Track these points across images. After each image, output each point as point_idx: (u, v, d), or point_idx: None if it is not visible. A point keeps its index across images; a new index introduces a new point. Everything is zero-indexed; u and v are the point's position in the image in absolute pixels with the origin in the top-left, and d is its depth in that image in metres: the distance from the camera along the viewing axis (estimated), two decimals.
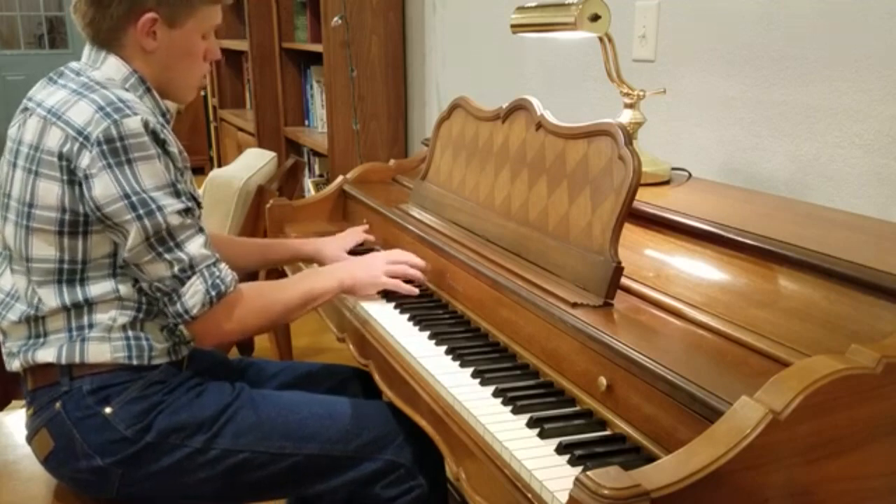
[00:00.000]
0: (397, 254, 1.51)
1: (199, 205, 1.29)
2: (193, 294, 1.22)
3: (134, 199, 1.17)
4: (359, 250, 1.68)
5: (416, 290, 1.45)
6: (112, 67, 1.27)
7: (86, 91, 1.21)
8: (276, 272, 1.88)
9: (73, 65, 1.29)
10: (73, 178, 1.18)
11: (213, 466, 1.27)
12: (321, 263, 1.65)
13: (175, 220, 1.20)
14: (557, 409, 1.05)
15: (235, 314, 1.27)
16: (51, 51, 7.01)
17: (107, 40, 1.27)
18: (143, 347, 1.27)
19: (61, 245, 1.22)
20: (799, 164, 1.50)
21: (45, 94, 1.25)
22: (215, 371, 1.43)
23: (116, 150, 1.16)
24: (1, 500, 1.32)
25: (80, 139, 1.17)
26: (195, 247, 1.22)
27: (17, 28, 6.96)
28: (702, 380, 0.87)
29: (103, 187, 1.16)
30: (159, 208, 1.18)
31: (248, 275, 2.11)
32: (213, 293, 1.23)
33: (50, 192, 1.20)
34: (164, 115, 1.30)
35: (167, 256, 1.20)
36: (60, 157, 1.18)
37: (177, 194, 1.21)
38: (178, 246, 1.21)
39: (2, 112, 6.43)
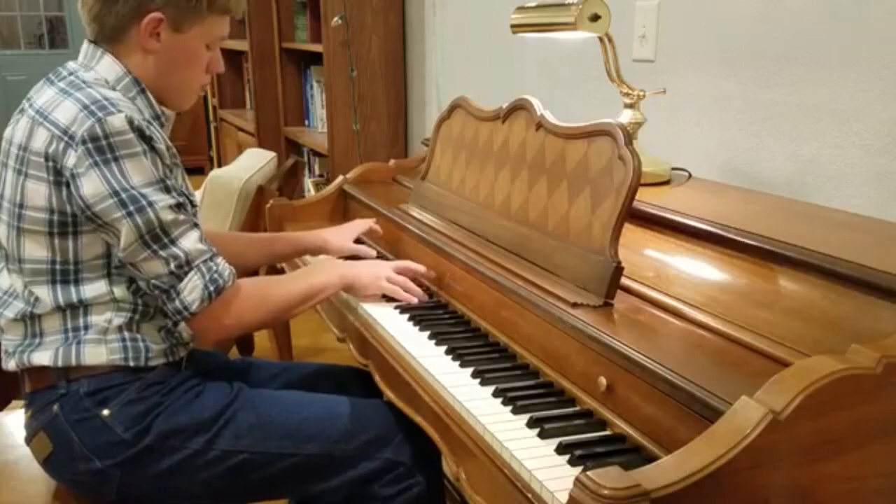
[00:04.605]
0: (405, 263, 1.50)
1: (191, 202, 1.29)
2: (192, 290, 1.21)
3: (123, 195, 1.16)
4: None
5: (414, 299, 1.43)
6: (106, 67, 1.26)
7: (71, 90, 1.21)
8: (275, 270, 1.88)
9: (70, 64, 1.29)
10: (59, 179, 1.18)
11: (213, 468, 1.27)
12: (329, 253, 1.66)
13: (167, 216, 1.19)
14: (557, 409, 1.05)
15: (234, 309, 1.26)
16: (51, 51, 7.01)
17: (110, 37, 1.26)
18: (140, 349, 1.26)
19: (52, 246, 1.21)
20: (799, 164, 1.50)
21: (38, 94, 1.25)
22: (215, 372, 1.43)
23: (102, 149, 1.16)
24: (1, 500, 1.32)
25: (66, 138, 1.16)
26: (190, 242, 1.21)
27: (17, 28, 6.95)
28: (702, 380, 0.87)
29: (91, 186, 1.16)
30: (150, 204, 1.17)
31: (248, 271, 2.11)
32: (212, 288, 1.22)
33: (38, 192, 1.19)
34: (157, 117, 1.29)
35: (162, 253, 1.19)
36: (47, 157, 1.18)
37: (167, 190, 1.20)
38: (173, 242, 1.20)
39: (2, 112, 6.43)
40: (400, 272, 1.46)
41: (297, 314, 1.39)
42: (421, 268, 1.48)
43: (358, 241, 1.69)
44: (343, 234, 1.68)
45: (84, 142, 1.15)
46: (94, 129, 1.15)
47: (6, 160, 1.24)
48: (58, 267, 1.22)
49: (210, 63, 1.33)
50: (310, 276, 1.39)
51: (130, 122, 1.17)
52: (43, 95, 1.23)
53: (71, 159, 1.16)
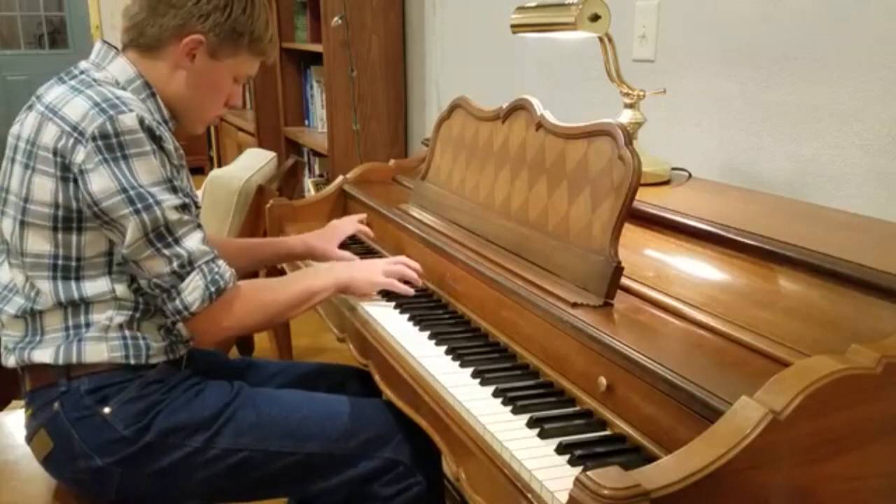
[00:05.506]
0: (398, 258, 1.51)
1: (195, 204, 1.29)
2: (193, 290, 1.21)
3: (131, 192, 1.17)
4: (358, 251, 1.68)
5: (411, 291, 1.44)
6: (117, 68, 1.27)
7: (82, 87, 1.21)
8: (276, 271, 1.88)
9: (82, 64, 1.30)
10: (66, 175, 1.18)
11: (213, 466, 1.27)
12: (314, 258, 1.66)
13: (173, 216, 1.20)
14: (557, 409, 1.05)
15: (234, 311, 1.26)
16: (51, 51, 7.00)
17: (145, 46, 1.28)
18: (141, 347, 1.26)
19: (55, 240, 1.22)
20: (799, 164, 1.50)
21: (48, 91, 1.25)
22: (215, 371, 1.43)
23: (112, 146, 1.16)
24: (1, 500, 1.32)
25: (75, 134, 1.17)
26: (194, 242, 1.22)
27: (17, 28, 6.95)
28: (702, 380, 0.87)
29: (100, 182, 1.16)
30: (157, 203, 1.18)
31: (248, 273, 2.11)
32: (213, 289, 1.23)
33: (44, 187, 1.20)
34: (165, 122, 1.30)
35: (166, 252, 1.20)
36: (55, 152, 1.18)
37: (173, 190, 1.21)
38: (177, 241, 1.20)
39: (2, 112, 6.42)
40: (394, 265, 1.47)
41: (294, 316, 1.41)
42: (414, 263, 1.48)
43: (344, 244, 1.69)
44: (326, 238, 1.68)
45: (94, 139, 1.16)
46: (104, 126, 1.16)
47: (13, 155, 1.25)
48: (60, 262, 1.22)
49: (230, 96, 1.37)
50: (306, 279, 1.40)
51: (141, 121, 1.18)
52: (52, 92, 1.24)
53: (80, 155, 1.16)
